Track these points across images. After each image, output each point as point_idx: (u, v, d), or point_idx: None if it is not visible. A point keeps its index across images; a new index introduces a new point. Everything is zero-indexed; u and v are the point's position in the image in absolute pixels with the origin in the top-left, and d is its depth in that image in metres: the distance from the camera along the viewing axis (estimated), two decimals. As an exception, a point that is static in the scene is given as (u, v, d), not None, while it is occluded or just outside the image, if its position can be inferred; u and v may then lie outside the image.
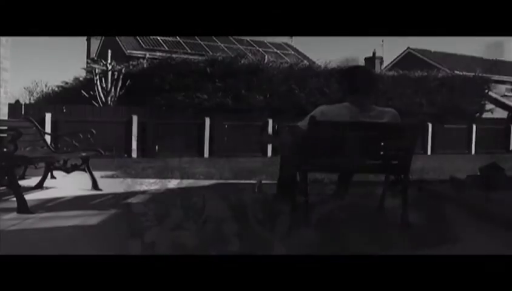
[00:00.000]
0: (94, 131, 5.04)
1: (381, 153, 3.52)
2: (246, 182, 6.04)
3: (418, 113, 15.93)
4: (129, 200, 4.32)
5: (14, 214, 3.40)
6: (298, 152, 3.44)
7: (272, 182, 5.19)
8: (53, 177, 5.45)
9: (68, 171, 4.86)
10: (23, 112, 11.52)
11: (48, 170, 4.94)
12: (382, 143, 3.46)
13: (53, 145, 5.08)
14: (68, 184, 5.15)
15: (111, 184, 5.39)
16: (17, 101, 23.21)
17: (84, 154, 4.77)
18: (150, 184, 5.58)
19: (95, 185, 4.85)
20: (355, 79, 3.58)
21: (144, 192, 4.84)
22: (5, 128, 4.03)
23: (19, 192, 3.53)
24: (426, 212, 3.88)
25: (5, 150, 3.70)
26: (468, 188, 4.47)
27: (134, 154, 12.71)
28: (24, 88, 31.67)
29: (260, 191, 3.26)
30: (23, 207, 3.46)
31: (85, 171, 4.85)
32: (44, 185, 4.98)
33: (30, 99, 28.33)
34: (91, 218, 3.34)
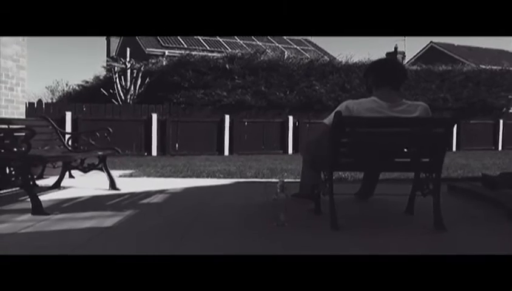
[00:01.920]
0: (111, 130, 4.92)
1: (412, 150, 3.31)
2: (267, 181, 5.89)
3: (443, 108, 15.58)
4: (146, 201, 4.20)
5: (28, 216, 3.29)
6: (322, 150, 3.26)
7: (295, 181, 5.03)
8: (71, 176, 5.37)
9: (85, 170, 4.76)
10: (43, 111, 11.55)
11: (66, 169, 4.85)
12: (412, 140, 3.25)
13: (69, 144, 4.97)
14: (86, 184, 5.07)
15: (129, 183, 5.29)
16: (40, 100, 23.49)
17: (100, 153, 4.65)
18: (169, 183, 5.46)
19: (113, 185, 4.74)
20: (383, 72, 3.38)
21: (162, 192, 4.71)
22: (21, 127, 3.92)
23: (34, 193, 3.42)
24: (460, 213, 3.66)
25: (20, 149, 3.59)
26: (501, 186, 4.22)
27: (154, 152, 12.65)
28: (46, 87, 32.12)
29: (283, 191, 3.08)
30: (37, 208, 3.35)
31: (103, 171, 4.74)
32: (62, 184, 4.89)
33: (52, 98, 28.64)
34: (107, 220, 3.21)
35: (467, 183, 4.95)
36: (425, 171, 3.20)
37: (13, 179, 3.48)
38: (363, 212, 3.75)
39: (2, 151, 3.56)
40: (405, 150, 3.33)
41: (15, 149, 3.65)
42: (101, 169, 4.74)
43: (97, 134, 4.92)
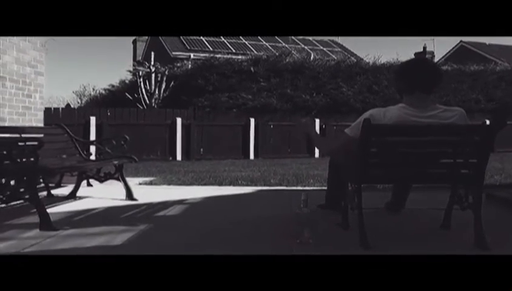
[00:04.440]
0: (127, 137, 4.72)
1: (448, 160, 2.99)
2: (292, 189, 5.62)
3: (475, 109, 15.02)
4: (162, 213, 3.98)
5: (36, 232, 3.11)
6: (349, 161, 2.99)
7: (321, 189, 4.77)
8: (89, 185, 5.22)
9: (101, 180, 4.57)
10: (68, 116, 11.52)
11: (81, 178, 4.67)
12: (449, 149, 2.94)
13: (85, 152, 4.80)
14: (103, 193, 4.88)
15: (147, 192, 5.09)
16: (68, 105, 23.80)
17: (116, 162, 4.46)
18: (189, 192, 5.24)
19: (130, 195, 4.54)
20: (414, 75, 3.03)
21: (180, 202, 4.49)
22: (31, 136, 3.76)
23: (41, 207, 3.23)
24: (503, 228, 3.32)
25: (30, 160, 3.42)
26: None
27: (178, 157, 12.52)
28: (73, 92, 32.66)
29: (306, 205, 2.82)
30: (45, 224, 3.16)
31: (119, 180, 4.55)
32: (78, 194, 4.71)
33: (79, 103, 29.00)
34: (118, 236, 3.00)
35: (507, 192, 4.58)
36: (464, 183, 2.89)
37: (21, 190, 3.30)
38: (394, 227, 3.43)
39: (8, 162, 3.37)
40: (442, 160, 3.01)
41: (27, 159, 3.49)
42: (117, 178, 4.55)
43: (114, 142, 4.74)
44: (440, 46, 51.45)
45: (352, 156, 2.92)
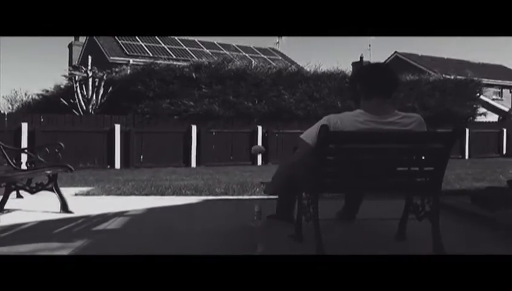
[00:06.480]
0: (62, 145, 4.37)
1: (405, 168, 2.91)
2: (238, 198, 5.44)
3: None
4: (101, 227, 3.68)
5: (-46, 252, 2.75)
6: (303, 170, 2.84)
7: (268, 198, 4.62)
8: (19, 196, 4.80)
9: (32, 191, 4.20)
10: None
11: (10, 190, 4.27)
12: (406, 157, 2.86)
13: (14, 161, 4.40)
14: (35, 205, 4.48)
15: (84, 204, 4.74)
16: (-3, 111, 22.46)
17: (49, 171, 4.11)
18: (130, 203, 4.94)
19: (65, 207, 4.19)
20: (371, 79, 2.93)
21: (120, 214, 4.19)
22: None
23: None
24: (458, 238, 3.29)
25: None
26: (493, 203, 3.89)
27: (117, 165, 12.02)
28: (3, 97, 31.02)
29: (260, 217, 2.65)
30: (-34, 242, 2.82)
31: (53, 191, 4.19)
32: (6, 207, 4.30)
33: (10, 108, 27.53)
34: (51, 254, 2.70)
35: (454, 200, 4.62)
36: (423, 192, 2.81)
37: None
38: (348, 238, 3.32)
39: None
40: (399, 168, 2.92)
41: None
42: (51, 189, 4.19)
43: (47, 149, 4.37)
44: (376, 56, 53.14)
45: (307, 164, 2.78)
